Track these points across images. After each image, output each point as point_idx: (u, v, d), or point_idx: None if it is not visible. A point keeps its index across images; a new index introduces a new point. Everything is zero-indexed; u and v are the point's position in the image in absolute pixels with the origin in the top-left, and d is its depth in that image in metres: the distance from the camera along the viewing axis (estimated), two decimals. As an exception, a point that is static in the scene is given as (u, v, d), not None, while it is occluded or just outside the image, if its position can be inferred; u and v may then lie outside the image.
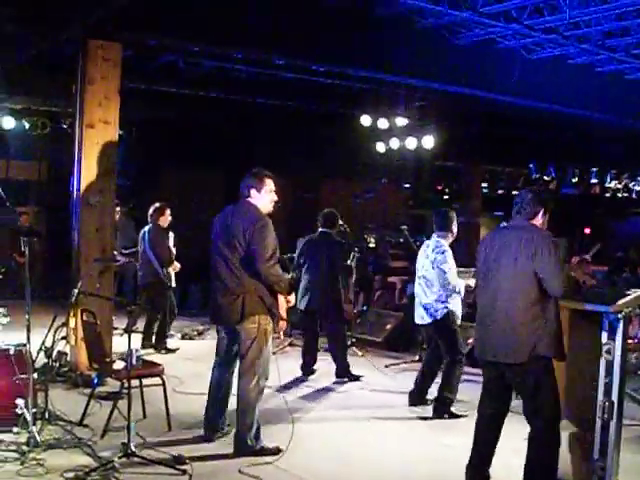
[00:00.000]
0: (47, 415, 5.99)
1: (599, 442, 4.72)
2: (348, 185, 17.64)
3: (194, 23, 8.01)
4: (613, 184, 19.88)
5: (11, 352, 5.88)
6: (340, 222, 9.56)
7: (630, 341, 7.79)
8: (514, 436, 5.13)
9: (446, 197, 20.64)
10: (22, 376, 5.65)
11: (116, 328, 8.57)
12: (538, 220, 4.86)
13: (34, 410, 5.57)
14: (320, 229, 8.51)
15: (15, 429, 5.58)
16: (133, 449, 5.29)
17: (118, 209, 10.35)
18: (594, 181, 19.25)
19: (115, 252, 9.49)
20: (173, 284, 9.89)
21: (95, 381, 6.45)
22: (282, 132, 14.44)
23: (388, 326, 10.50)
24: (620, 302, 4.63)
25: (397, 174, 18.13)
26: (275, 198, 5.74)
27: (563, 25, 8.76)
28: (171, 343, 9.85)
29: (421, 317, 7.10)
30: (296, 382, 8.18)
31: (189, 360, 9.05)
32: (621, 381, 4.67)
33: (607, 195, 20.65)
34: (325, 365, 8.60)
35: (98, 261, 7.78)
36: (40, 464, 5.19)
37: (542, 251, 4.57)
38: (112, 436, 5.76)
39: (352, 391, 7.91)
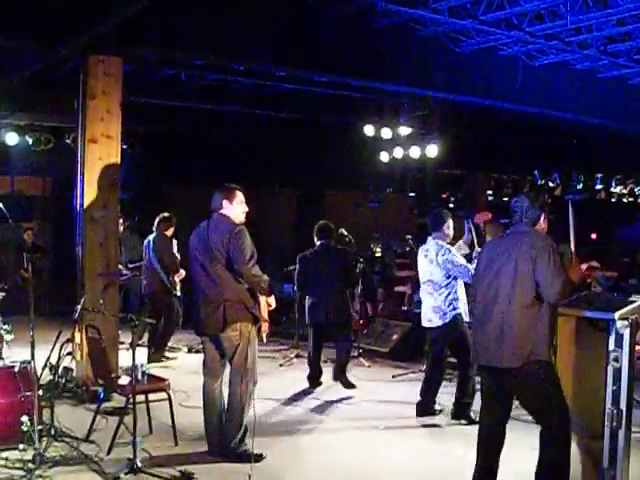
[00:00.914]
0: (53, 432, 5.97)
1: (608, 450, 4.67)
2: (353, 196, 17.63)
3: (195, 36, 8.01)
4: (618, 189, 19.84)
5: (16, 369, 5.87)
6: (345, 233, 9.57)
7: (638, 347, 7.73)
8: (523, 445, 5.08)
9: (451, 205, 20.60)
10: (27, 393, 5.63)
11: (122, 342, 8.55)
12: (540, 225, 4.86)
13: (40, 427, 5.54)
14: (318, 242, 8.44)
15: (21, 446, 5.54)
16: (139, 465, 5.28)
17: (121, 222, 10.36)
18: (599, 187, 19.23)
19: (121, 266, 9.50)
20: (178, 292, 9.90)
21: (101, 397, 6.43)
22: (285, 144, 14.46)
23: (394, 336, 10.43)
24: (627, 309, 4.61)
25: (401, 183, 18.11)
26: (246, 209, 5.92)
27: (564, 31, 8.76)
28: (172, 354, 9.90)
29: (429, 320, 7.04)
30: (303, 394, 8.13)
31: (195, 374, 8.91)
32: (629, 388, 4.63)
33: (613, 200, 20.61)
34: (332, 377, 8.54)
35: (102, 276, 7.77)
36: (46, 481, 5.17)
37: (542, 256, 4.55)
38: (118, 452, 5.73)
39: (360, 403, 7.82)
